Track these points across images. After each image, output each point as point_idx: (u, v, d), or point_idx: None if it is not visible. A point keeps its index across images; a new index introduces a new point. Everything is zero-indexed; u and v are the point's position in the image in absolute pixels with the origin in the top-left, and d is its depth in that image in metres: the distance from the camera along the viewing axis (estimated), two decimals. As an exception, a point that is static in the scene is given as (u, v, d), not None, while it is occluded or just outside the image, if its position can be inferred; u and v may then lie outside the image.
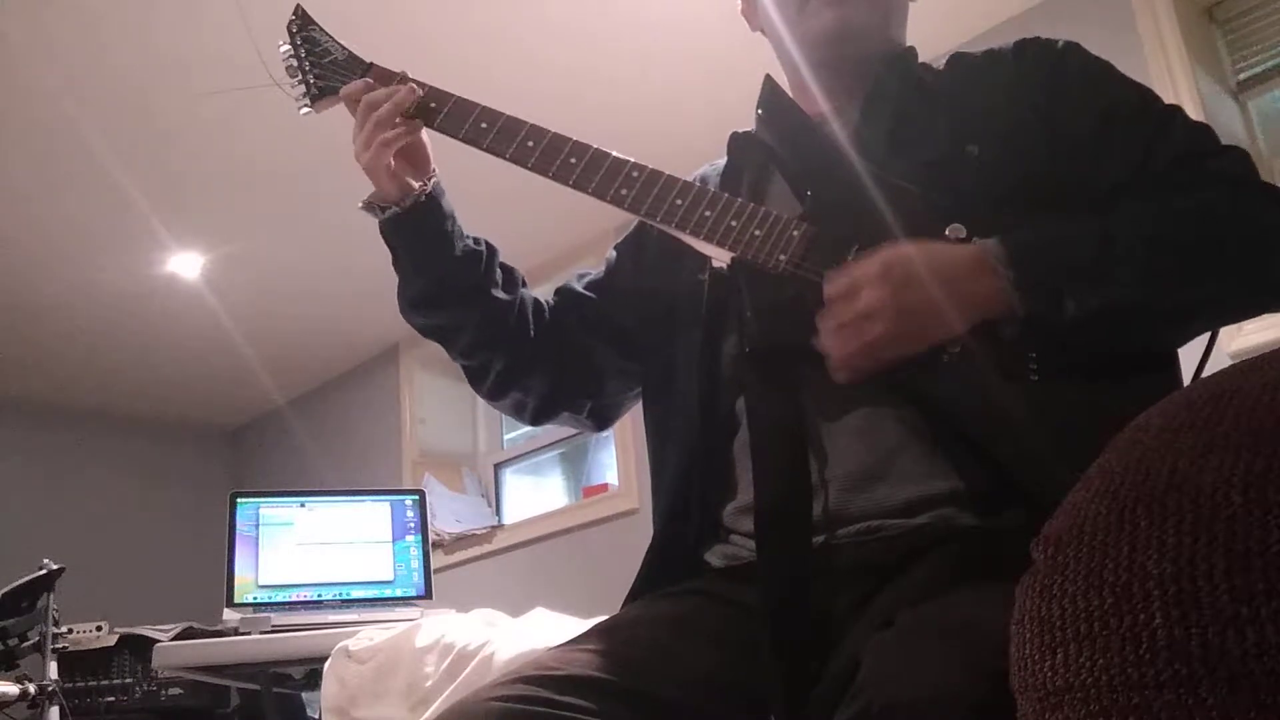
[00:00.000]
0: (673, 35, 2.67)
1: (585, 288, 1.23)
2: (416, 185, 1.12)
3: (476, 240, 1.16)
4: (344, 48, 1.20)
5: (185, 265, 3.61)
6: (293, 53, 1.19)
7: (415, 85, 1.13)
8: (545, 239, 3.55)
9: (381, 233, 1.13)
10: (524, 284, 1.20)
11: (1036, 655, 0.52)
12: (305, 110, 1.20)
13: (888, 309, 0.87)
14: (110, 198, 3.11)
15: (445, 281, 1.13)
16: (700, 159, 1.24)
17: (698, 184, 1.04)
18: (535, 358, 1.17)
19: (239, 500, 2.58)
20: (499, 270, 1.16)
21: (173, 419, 4.95)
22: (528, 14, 2.58)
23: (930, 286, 0.87)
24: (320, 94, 1.18)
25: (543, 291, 1.23)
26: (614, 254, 1.25)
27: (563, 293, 1.24)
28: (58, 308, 3.80)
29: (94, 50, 2.56)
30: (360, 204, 1.14)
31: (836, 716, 0.70)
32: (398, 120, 1.10)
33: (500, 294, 1.15)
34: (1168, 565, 0.48)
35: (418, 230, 1.12)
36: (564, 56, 2.73)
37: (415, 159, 1.14)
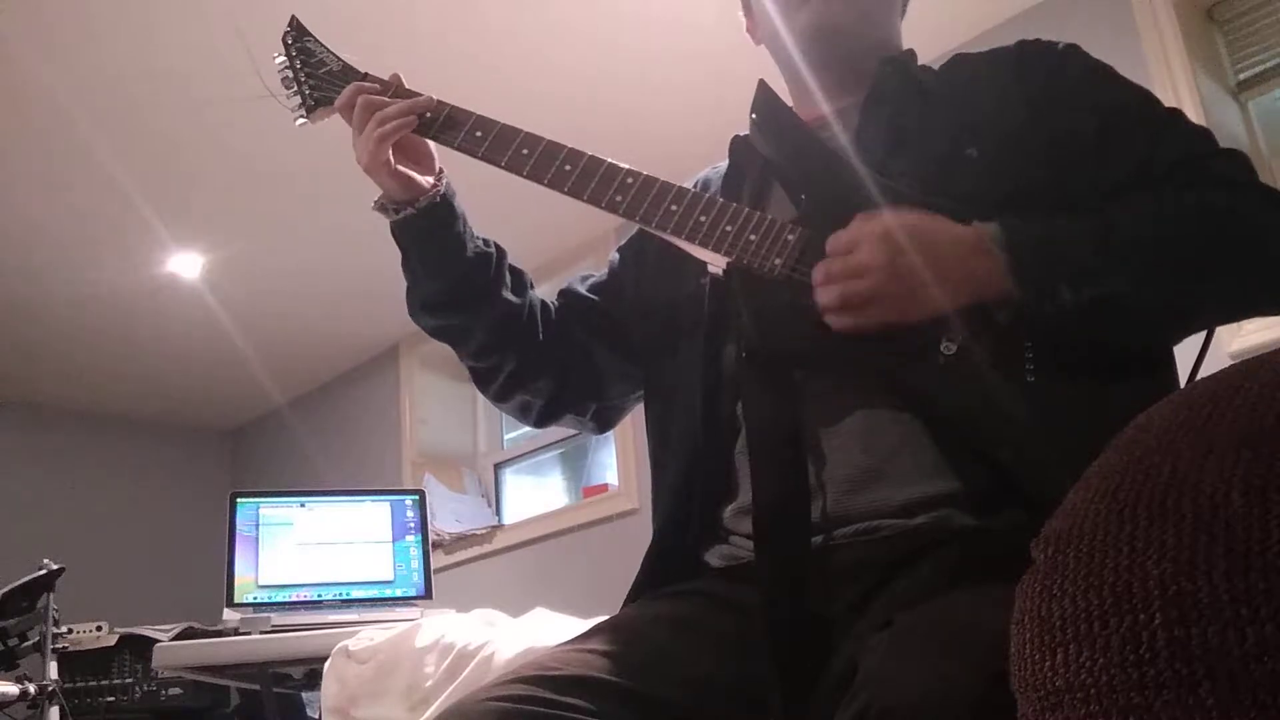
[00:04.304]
0: (674, 35, 2.67)
1: (588, 290, 1.23)
2: (423, 182, 1.12)
3: (486, 242, 1.16)
4: (339, 58, 1.19)
5: (185, 265, 3.61)
6: (288, 64, 1.19)
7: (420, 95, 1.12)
8: (547, 238, 3.54)
9: (393, 233, 1.13)
10: (532, 286, 1.20)
11: (1036, 655, 0.52)
12: (301, 122, 1.20)
13: (881, 269, 0.87)
14: (110, 198, 3.11)
15: (456, 283, 1.13)
16: (702, 159, 1.24)
17: (694, 189, 1.04)
18: (543, 360, 1.18)
19: (239, 500, 2.58)
20: (509, 272, 1.17)
21: (173, 419, 4.94)
22: (531, 15, 2.58)
23: (925, 256, 0.88)
24: (316, 105, 1.18)
25: (545, 291, 1.23)
26: (616, 256, 1.25)
27: (566, 295, 1.24)
28: (58, 308, 3.80)
29: (94, 51, 2.56)
30: (373, 204, 1.14)
31: (836, 717, 0.70)
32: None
33: (510, 296, 1.15)
34: (1168, 565, 0.48)
35: (429, 231, 1.12)
36: (567, 57, 2.73)
37: (416, 155, 1.13)
